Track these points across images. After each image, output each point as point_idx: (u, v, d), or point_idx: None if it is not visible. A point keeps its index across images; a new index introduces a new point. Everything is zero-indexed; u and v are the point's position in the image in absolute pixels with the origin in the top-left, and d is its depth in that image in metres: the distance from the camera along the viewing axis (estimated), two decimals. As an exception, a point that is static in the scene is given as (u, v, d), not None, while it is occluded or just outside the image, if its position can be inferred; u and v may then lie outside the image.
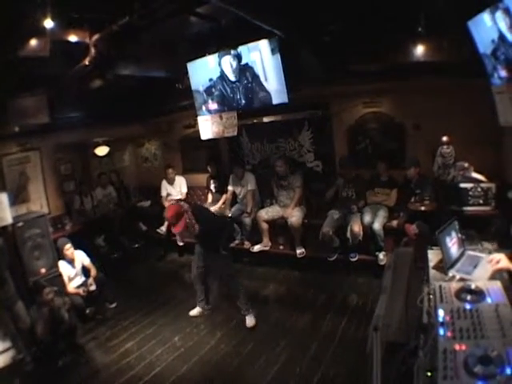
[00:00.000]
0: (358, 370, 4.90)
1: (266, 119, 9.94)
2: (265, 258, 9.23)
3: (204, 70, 7.37)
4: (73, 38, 5.51)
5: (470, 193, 6.98)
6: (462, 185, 7.02)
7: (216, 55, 7.02)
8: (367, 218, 7.77)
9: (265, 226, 9.06)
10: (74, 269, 7.64)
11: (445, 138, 7.08)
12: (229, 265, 6.70)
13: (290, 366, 5.59)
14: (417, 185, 7.46)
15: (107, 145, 11.36)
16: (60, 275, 7.36)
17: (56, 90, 7.40)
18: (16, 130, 8.16)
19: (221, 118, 7.58)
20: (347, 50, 6.71)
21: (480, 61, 4.68)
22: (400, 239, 7.15)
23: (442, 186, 7.22)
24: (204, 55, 7.17)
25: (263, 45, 6.50)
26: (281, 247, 9.24)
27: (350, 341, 5.97)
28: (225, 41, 6.83)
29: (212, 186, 10.52)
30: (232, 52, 6.83)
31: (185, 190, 10.88)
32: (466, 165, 6.87)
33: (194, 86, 7.70)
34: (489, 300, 2.77)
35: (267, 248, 9.18)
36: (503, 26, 4.07)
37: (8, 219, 6.75)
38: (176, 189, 10.69)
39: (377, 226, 7.60)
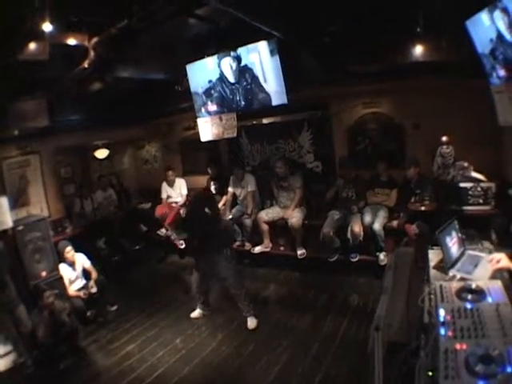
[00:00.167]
0: (359, 370, 4.89)
1: (265, 120, 9.95)
2: (265, 259, 9.24)
3: (203, 72, 7.38)
4: (72, 42, 5.51)
5: (470, 192, 6.98)
6: (462, 184, 7.02)
7: (215, 57, 7.02)
8: (367, 219, 7.77)
9: (265, 227, 9.07)
10: (75, 271, 7.65)
11: (444, 138, 7.09)
12: (232, 266, 6.69)
13: (291, 366, 5.60)
14: (417, 185, 7.46)
15: (107, 147, 11.37)
16: (61, 278, 7.36)
17: (55, 93, 7.40)
18: (16, 134, 8.17)
19: (220, 119, 7.59)
20: (346, 51, 6.71)
21: (479, 60, 4.69)
22: (400, 239, 7.15)
23: (441, 186, 7.22)
24: (203, 57, 7.17)
25: (262, 46, 6.51)
26: (281, 248, 9.26)
27: (351, 341, 5.97)
28: (224, 42, 6.84)
29: (212, 188, 10.49)
30: (232, 53, 6.84)
31: (185, 191, 10.86)
32: (466, 164, 6.88)
33: (193, 88, 7.70)
34: (489, 299, 2.77)
35: (268, 249, 9.20)
36: (502, 25, 4.07)
37: (8, 223, 6.76)
38: (176, 191, 10.68)
39: (377, 226, 7.60)
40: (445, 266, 3.52)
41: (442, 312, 2.68)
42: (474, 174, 6.87)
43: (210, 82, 7.36)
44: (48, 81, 6.86)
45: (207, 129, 7.84)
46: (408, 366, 2.88)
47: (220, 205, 9.94)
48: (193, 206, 6.53)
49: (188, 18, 5.97)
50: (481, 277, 3.26)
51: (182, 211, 6.33)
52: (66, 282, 7.44)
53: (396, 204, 7.93)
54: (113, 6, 5.07)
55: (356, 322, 6.44)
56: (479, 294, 2.85)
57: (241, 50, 6.72)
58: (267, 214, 9.07)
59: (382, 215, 7.78)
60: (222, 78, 7.17)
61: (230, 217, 9.46)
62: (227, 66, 6.98)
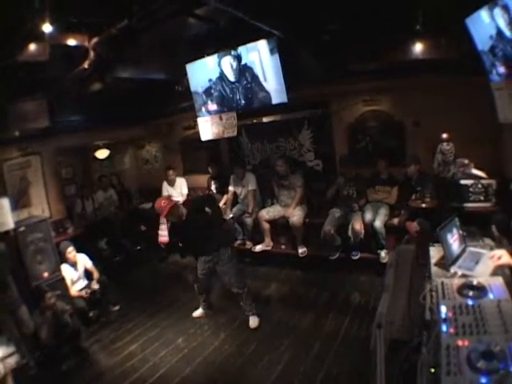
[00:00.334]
0: (361, 368, 4.88)
1: (265, 119, 9.95)
2: (267, 257, 9.25)
3: (203, 71, 7.39)
4: (72, 42, 5.52)
5: (471, 189, 6.98)
6: (463, 181, 7.01)
7: (215, 56, 7.04)
8: (368, 216, 7.77)
9: (266, 225, 9.07)
10: (77, 272, 7.66)
11: (444, 135, 7.09)
12: (233, 265, 6.67)
13: (293, 365, 5.60)
14: (417, 182, 7.46)
15: (107, 148, 11.40)
16: (63, 279, 7.37)
17: (56, 93, 7.41)
18: (16, 135, 8.18)
19: (220, 118, 7.60)
20: (346, 49, 6.72)
21: (478, 58, 4.70)
22: (401, 237, 7.13)
23: (442, 183, 7.22)
24: (203, 56, 7.18)
25: (262, 45, 6.52)
26: (282, 247, 9.26)
27: (353, 339, 5.97)
28: (223, 42, 6.85)
29: (213, 187, 10.51)
30: (232, 52, 6.85)
31: (185, 191, 10.89)
32: (466, 161, 6.89)
33: (193, 88, 7.72)
34: (491, 296, 2.78)
35: (269, 248, 9.20)
36: (502, 22, 4.08)
37: (10, 224, 6.76)
38: (177, 190, 10.68)
39: (378, 223, 7.61)
40: (446, 262, 3.52)
41: (443, 309, 2.68)
42: (475, 171, 6.87)
43: (210, 81, 7.39)
44: (48, 81, 6.88)
45: (207, 128, 7.86)
46: (410, 363, 2.88)
47: (221, 204, 9.96)
48: (191, 207, 6.50)
49: (188, 18, 5.98)
50: (482, 273, 3.26)
51: (181, 209, 6.28)
52: (68, 282, 7.44)
53: (397, 201, 7.92)
54: (112, 6, 5.07)
55: (358, 320, 6.43)
56: (480, 290, 2.86)
57: (241, 49, 6.75)
58: (268, 213, 9.07)
59: (383, 213, 7.79)
60: (222, 77, 7.19)
61: (231, 216, 9.48)
62: (227, 64, 6.99)
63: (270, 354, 5.90)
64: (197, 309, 7.31)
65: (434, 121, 7.45)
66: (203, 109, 7.82)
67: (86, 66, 6.12)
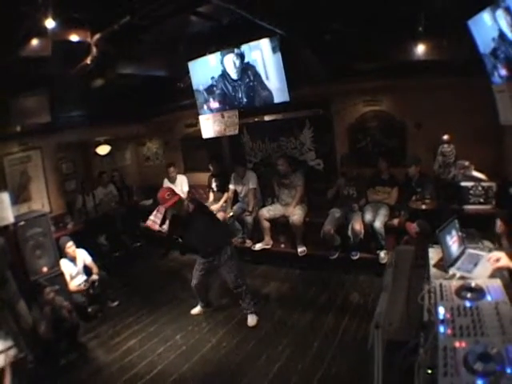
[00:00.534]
0: (359, 368, 4.89)
1: (267, 118, 9.93)
2: (266, 256, 9.25)
3: (205, 69, 7.41)
4: (74, 38, 5.52)
5: (471, 191, 6.99)
6: (463, 183, 7.02)
7: (218, 54, 7.06)
8: (368, 217, 7.78)
9: (266, 224, 9.08)
10: (76, 267, 7.67)
11: (445, 137, 7.08)
12: (232, 263, 6.67)
13: (291, 363, 5.60)
14: (418, 183, 7.46)
15: (109, 144, 11.38)
16: (62, 274, 7.37)
17: (57, 89, 7.43)
18: (17, 130, 8.18)
19: (222, 116, 7.61)
20: (348, 49, 6.72)
21: (480, 60, 4.70)
22: (401, 237, 7.15)
23: (442, 185, 7.22)
24: (205, 54, 7.19)
25: (264, 44, 6.53)
26: (282, 245, 9.28)
27: (352, 339, 5.98)
28: (226, 40, 6.86)
29: (213, 185, 10.53)
30: (235, 51, 6.86)
31: (186, 188, 10.91)
32: (467, 163, 6.87)
33: (195, 85, 7.73)
34: (489, 298, 2.78)
35: (269, 246, 9.21)
36: (504, 24, 4.08)
37: (10, 218, 6.76)
38: (177, 187, 10.66)
39: (378, 224, 7.61)
40: (445, 264, 3.53)
41: (441, 310, 2.69)
42: (475, 173, 6.86)
43: (212, 78, 7.40)
44: (50, 77, 6.89)
45: (209, 126, 7.87)
46: (407, 364, 2.89)
47: (221, 202, 9.99)
48: (198, 204, 6.50)
49: (190, 16, 5.98)
50: (480, 275, 3.27)
51: (185, 204, 6.27)
52: (67, 277, 7.45)
53: (397, 202, 7.92)
54: (115, 2, 5.08)
55: (356, 320, 6.44)
56: (479, 292, 2.86)
57: (243, 48, 6.75)
58: (268, 212, 9.08)
59: (383, 213, 7.79)
60: (224, 74, 7.21)
61: (231, 214, 9.48)
62: (230, 62, 7.01)
63: (269, 352, 5.91)
64: (195, 306, 7.32)
65: (435, 122, 7.45)
66: (205, 106, 7.83)
67: (88, 61, 6.13)
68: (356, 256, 8.00)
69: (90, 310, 7.53)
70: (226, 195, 10.05)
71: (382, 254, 7.65)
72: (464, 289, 2.92)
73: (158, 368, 5.89)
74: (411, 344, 2.99)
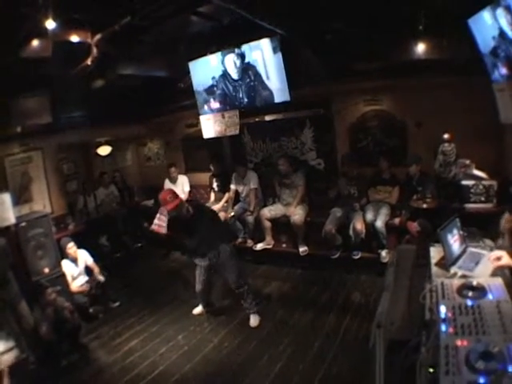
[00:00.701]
0: (360, 367, 4.90)
1: (267, 118, 9.93)
2: (267, 256, 9.25)
3: (206, 69, 7.41)
4: (74, 39, 5.53)
5: (472, 190, 6.99)
6: (464, 182, 7.02)
7: (219, 54, 7.07)
8: (369, 216, 7.78)
9: (267, 224, 9.08)
10: (78, 268, 7.67)
11: (446, 136, 7.08)
12: (233, 263, 6.66)
13: (293, 363, 5.60)
14: (419, 182, 7.45)
15: (110, 144, 11.37)
16: (63, 275, 7.38)
17: (58, 90, 7.43)
18: (18, 131, 8.19)
19: (223, 116, 7.61)
20: (348, 49, 6.72)
21: (480, 58, 4.70)
22: (402, 237, 7.16)
23: (443, 184, 7.22)
24: (205, 54, 7.20)
25: (265, 44, 6.54)
26: (283, 245, 9.27)
27: (353, 338, 5.98)
28: (226, 40, 6.86)
29: (215, 185, 10.52)
30: (236, 51, 6.87)
31: (187, 188, 10.92)
32: (468, 162, 6.87)
33: (195, 85, 7.74)
34: (490, 296, 2.78)
35: (270, 246, 9.21)
36: (504, 22, 4.08)
37: (11, 219, 6.76)
38: (179, 188, 10.68)
39: (379, 223, 7.60)
40: (446, 263, 3.53)
41: (443, 309, 2.69)
42: (476, 172, 6.86)
43: (212, 78, 7.41)
44: (51, 78, 6.88)
45: (210, 126, 7.88)
46: (409, 363, 2.89)
47: (222, 202, 9.99)
48: (197, 207, 6.51)
49: (190, 16, 5.99)
50: (482, 274, 3.26)
51: (185, 207, 6.26)
52: (69, 278, 7.46)
53: (398, 201, 7.91)
54: (116, 3, 5.08)
55: (358, 319, 6.44)
56: (480, 291, 2.86)
57: (244, 48, 6.75)
58: (269, 211, 9.08)
59: (384, 212, 7.78)
60: (225, 74, 7.21)
61: (232, 214, 9.48)
62: (231, 62, 7.02)
63: (270, 352, 5.91)
64: (197, 306, 7.32)
65: (435, 121, 7.45)
66: (206, 107, 7.84)
67: (88, 62, 6.13)
68: (357, 255, 7.99)
69: (91, 310, 7.53)
70: (227, 195, 10.05)
71: (384, 253, 7.65)
72: (465, 287, 2.92)
73: (160, 368, 5.88)
74: (413, 343, 2.99)
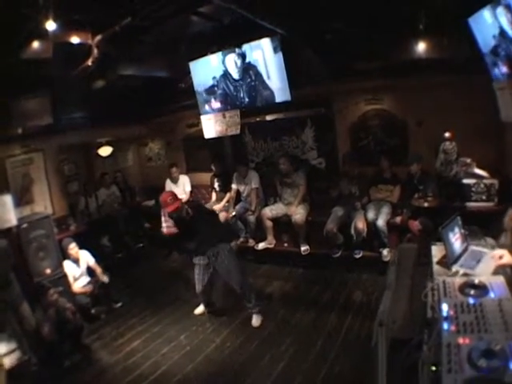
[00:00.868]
0: (363, 366, 4.91)
1: (268, 117, 9.93)
2: (269, 255, 9.26)
3: (207, 69, 7.41)
4: (75, 40, 5.54)
5: (473, 189, 7.00)
6: (465, 181, 7.03)
7: (220, 54, 7.06)
8: (371, 215, 7.78)
9: (269, 223, 9.09)
10: (79, 268, 7.68)
11: (447, 134, 7.08)
12: (234, 263, 6.66)
13: (295, 363, 5.60)
14: (420, 181, 7.46)
15: (110, 145, 11.38)
16: (65, 275, 7.38)
17: (59, 91, 7.43)
18: (19, 132, 8.19)
19: (224, 116, 7.61)
20: (349, 48, 6.73)
21: (481, 57, 4.71)
22: (403, 235, 7.17)
23: (444, 183, 7.22)
24: (206, 54, 7.20)
25: (265, 43, 6.54)
26: (285, 245, 9.26)
27: (355, 337, 5.98)
28: (227, 40, 6.86)
29: (216, 185, 10.52)
30: (237, 50, 6.87)
31: (189, 188, 10.92)
32: (469, 161, 6.86)
33: (196, 85, 7.73)
34: (492, 295, 2.79)
35: (271, 246, 9.22)
36: (504, 21, 4.09)
37: (12, 221, 6.77)
38: (180, 188, 10.69)
39: (380, 222, 7.61)
40: (448, 261, 3.53)
41: (445, 307, 2.70)
42: (477, 171, 6.86)
43: (213, 78, 7.41)
44: (51, 79, 6.88)
45: (211, 126, 7.87)
46: (411, 361, 2.89)
47: (224, 202, 9.99)
48: (196, 209, 6.52)
49: (191, 16, 5.99)
50: (483, 272, 3.27)
51: (185, 209, 6.27)
52: (71, 279, 7.47)
53: (399, 200, 7.91)
54: (116, 3, 5.08)
55: (360, 318, 6.44)
56: (482, 289, 2.87)
57: (244, 48, 6.76)
58: (271, 211, 9.08)
59: (386, 211, 7.78)
60: (226, 74, 7.21)
61: (234, 213, 9.48)
62: (232, 62, 7.02)
63: (272, 352, 5.91)
64: (199, 306, 7.32)
65: (436, 120, 7.45)
66: (206, 106, 7.84)
67: (89, 63, 6.13)
68: (359, 254, 8.00)
69: (93, 311, 7.53)
70: (228, 195, 10.05)
71: (385, 252, 7.65)
72: (467, 286, 2.93)
73: (162, 368, 5.89)
74: (415, 341, 3.00)
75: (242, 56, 6.89)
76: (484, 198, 6.96)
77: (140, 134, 12.43)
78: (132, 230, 11.06)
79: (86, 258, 7.84)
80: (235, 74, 7.14)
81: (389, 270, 4.65)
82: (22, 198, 9.24)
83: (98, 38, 5.62)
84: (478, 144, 6.91)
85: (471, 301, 2.73)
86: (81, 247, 7.82)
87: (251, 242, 9.45)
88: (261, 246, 9.22)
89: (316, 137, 9.58)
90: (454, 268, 3.45)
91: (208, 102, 7.77)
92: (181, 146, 12.12)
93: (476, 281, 2.97)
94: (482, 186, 6.94)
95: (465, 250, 3.81)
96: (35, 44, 5.29)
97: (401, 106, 8.32)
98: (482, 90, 5.15)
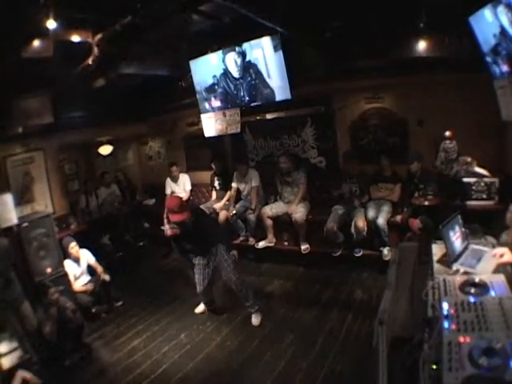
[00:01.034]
0: (363, 365, 4.90)
1: (269, 116, 9.94)
2: (269, 254, 9.25)
3: (207, 68, 7.41)
4: (76, 38, 5.53)
5: (473, 187, 7.00)
6: (465, 179, 7.03)
7: (220, 52, 7.06)
8: (371, 214, 7.78)
9: (269, 222, 9.08)
10: (80, 267, 7.68)
11: (447, 133, 7.07)
12: (231, 263, 6.65)
13: (295, 361, 5.60)
14: (420, 180, 7.45)
15: (111, 144, 11.39)
16: (66, 274, 7.39)
17: (59, 90, 7.43)
18: (20, 131, 8.19)
19: (224, 115, 7.61)
20: (349, 46, 6.72)
21: (481, 56, 4.71)
22: (404, 234, 7.17)
23: (445, 181, 7.22)
24: (206, 53, 7.20)
25: (266, 42, 6.53)
26: (285, 243, 9.26)
27: (356, 336, 5.98)
28: (227, 38, 6.86)
29: (216, 184, 10.52)
30: (237, 49, 6.86)
31: (189, 187, 10.93)
32: (469, 159, 6.87)
33: (196, 84, 7.73)
34: (492, 293, 2.80)
35: (272, 244, 9.20)
36: (505, 20, 4.09)
37: (13, 220, 6.78)
38: (180, 186, 10.71)
39: (381, 221, 7.60)
40: (448, 260, 3.54)
41: (445, 305, 2.70)
42: (478, 169, 6.86)
43: (213, 77, 7.40)
44: (52, 78, 6.88)
45: (211, 124, 7.87)
46: (412, 360, 2.89)
47: (224, 200, 9.99)
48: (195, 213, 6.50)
49: (191, 14, 5.98)
50: (484, 271, 3.28)
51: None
52: (71, 278, 7.47)
53: (399, 199, 7.91)
54: (116, 2, 5.08)
55: (360, 317, 6.44)
56: (482, 287, 2.87)
57: (245, 46, 6.75)
58: (271, 209, 9.07)
59: (386, 210, 7.78)
60: (226, 73, 7.21)
61: (234, 212, 9.48)
62: (232, 61, 7.01)
63: (273, 351, 5.92)
64: (199, 305, 7.33)
65: (436, 118, 7.46)
66: (207, 105, 7.84)
67: (89, 62, 6.12)
68: (359, 253, 8.00)
69: (94, 310, 7.54)
70: (228, 193, 10.05)
71: (386, 250, 7.64)
72: (468, 284, 2.94)
73: (163, 367, 5.90)
74: (415, 340, 3.00)
75: (243, 54, 6.89)
76: (484, 196, 6.96)
77: (140, 132, 12.45)
78: (132, 228, 11.07)
79: (87, 256, 7.84)
80: (235, 73, 7.13)
81: (389, 269, 4.64)
82: (23, 197, 9.25)
83: (99, 36, 5.61)
84: (479, 143, 6.91)
85: (472, 299, 2.73)
86: (81, 246, 7.83)
87: (251, 241, 9.43)
88: (261, 244, 9.20)
89: (316, 135, 9.59)
90: (455, 266, 3.45)
91: (208, 100, 7.77)
92: (181, 145, 12.13)
93: (476, 279, 2.98)
94: (483, 184, 6.94)
95: (465, 249, 3.82)
96: (36, 43, 5.28)
97: (401, 104, 8.32)
98: (482, 88, 5.14)
